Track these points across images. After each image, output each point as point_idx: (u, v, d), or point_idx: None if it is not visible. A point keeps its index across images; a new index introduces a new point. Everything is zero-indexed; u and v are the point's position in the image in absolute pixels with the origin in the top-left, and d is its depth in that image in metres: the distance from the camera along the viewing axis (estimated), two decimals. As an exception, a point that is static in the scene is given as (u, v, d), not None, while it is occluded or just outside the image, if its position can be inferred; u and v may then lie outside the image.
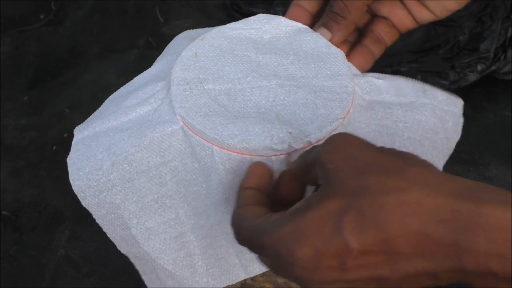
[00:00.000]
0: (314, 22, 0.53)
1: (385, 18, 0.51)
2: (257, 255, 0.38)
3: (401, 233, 0.31)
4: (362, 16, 0.49)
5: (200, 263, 0.48)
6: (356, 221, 0.31)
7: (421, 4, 0.48)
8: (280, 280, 0.56)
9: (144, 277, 0.51)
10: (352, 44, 0.53)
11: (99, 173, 0.47)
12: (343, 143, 0.35)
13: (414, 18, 0.50)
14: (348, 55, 0.50)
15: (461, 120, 0.51)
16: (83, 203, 0.48)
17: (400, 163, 0.33)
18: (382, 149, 0.35)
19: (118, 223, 0.48)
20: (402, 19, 0.50)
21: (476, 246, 0.29)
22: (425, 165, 0.34)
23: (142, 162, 0.46)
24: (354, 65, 0.50)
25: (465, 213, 0.30)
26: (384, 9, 0.50)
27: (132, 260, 0.50)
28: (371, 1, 0.48)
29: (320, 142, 0.44)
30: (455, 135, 0.50)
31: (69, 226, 0.94)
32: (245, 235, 0.38)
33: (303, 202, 0.35)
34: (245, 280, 0.51)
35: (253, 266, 0.47)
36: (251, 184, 0.41)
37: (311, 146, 0.43)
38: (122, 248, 0.49)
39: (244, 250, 0.46)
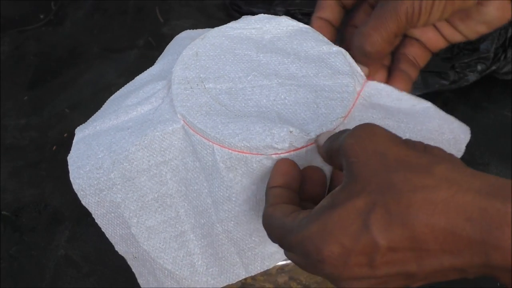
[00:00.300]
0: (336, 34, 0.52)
1: (417, 40, 0.51)
2: (287, 253, 0.38)
3: (428, 230, 0.31)
4: (386, 52, 0.48)
5: (200, 262, 0.48)
6: (383, 219, 0.32)
7: (452, 27, 0.48)
8: (280, 280, 0.56)
9: (140, 280, 0.50)
10: (388, 67, 0.52)
11: (99, 172, 0.47)
12: (369, 136, 0.35)
13: (446, 39, 0.50)
14: (388, 80, 0.50)
15: (463, 146, 0.50)
16: (83, 202, 0.48)
17: (427, 159, 0.33)
18: (408, 143, 0.35)
19: (117, 222, 0.48)
20: (434, 41, 0.50)
21: (503, 244, 0.30)
22: (452, 161, 0.34)
23: (142, 160, 0.46)
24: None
25: (492, 211, 0.30)
26: (416, 32, 0.50)
27: (130, 262, 0.50)
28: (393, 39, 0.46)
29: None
30: (464, 135, 0.49)
31: (69, 226, 0.94)
32: (275, 235, 0.38)
33: (329, 199, 0.35)
34: (245, 279, 0.51)
35: (254, 265, 0.47)
36: (278, 182, 0.41)
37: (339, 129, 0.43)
38: (121, 248, 0.49)
39: (246, 248, 0.46)
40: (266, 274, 0.54)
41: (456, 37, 0.49)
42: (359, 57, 0.47)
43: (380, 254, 0.32)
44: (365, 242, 0.32)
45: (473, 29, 0.47)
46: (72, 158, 0.48)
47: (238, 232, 0.45)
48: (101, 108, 0.53)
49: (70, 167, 0.48)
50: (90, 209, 0.48)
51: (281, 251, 0.42)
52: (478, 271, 0.32)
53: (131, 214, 0.47)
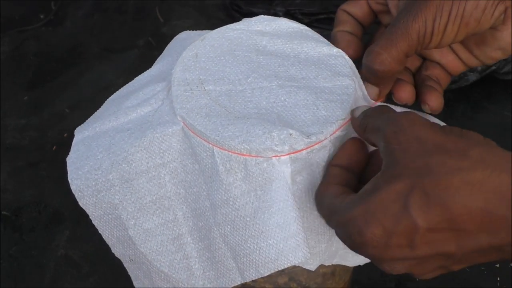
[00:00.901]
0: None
1: (437, 63, 0.51)
2: (335, 230, 0.39)
3: (466, 211, 0.32)
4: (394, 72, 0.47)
5: (196, 266, 0.48)
6: (422, 201, 0.33)
7: (468, 51, 0.49)
8: (280, 281, 0.56)
9: (136, 283, 0.50)
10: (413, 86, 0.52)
11: (97, 173, 0.46)
12: (410, 125, 0.37)
13: (464, 63, 0.50)
14: (419, 95, 0.50)
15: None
16: (81, 203, 0.47)
17: (463, 143, 0.35)
18: (446, 129, 0.36)
19: (115, 224, 0.48)
20: (454, 64, 0.50)
21: None
22: (488, 144, 0.35)
23: (141, 162, 0.46)
24: (435, 106, 0.49)
25: None
26: (436, 55, 0.50)
27: (126, 264, 0.50)
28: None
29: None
30: None
31: (69, 226, 0.94)
32: (323, 213, 0.40)
33: (371, 183, 0.36)
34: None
35: (249, 271, 0.46)
36: (340, 161, 0.43)
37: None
38: (117, 250, 0.49)
39: (242, 254, 0.46)
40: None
41: (473, 62, 0.49)
42: (368, 76, 0.47)
43: (420, 235, 0.33)
44: (405, 223, 0.33)
45: (488, 54, 0.47)
46: (71, 159, 0.48)
47: (234, 237, 0.45)
48: (100, 109, 0.53)
49: (68, 168, 0.48)
50: (87, 211, 0.48)
51: (276, 260, 0.44)
52: None
53: (128, 216, 0.47)
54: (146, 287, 0.49)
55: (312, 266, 0.48)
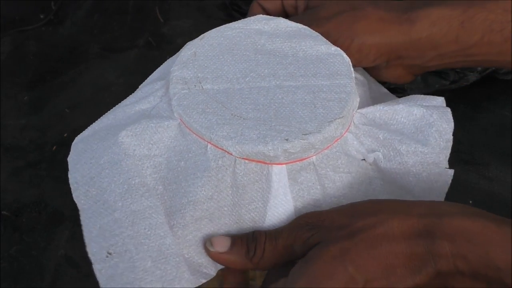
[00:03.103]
0: None
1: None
2: None
3: (392, 256, 0.37)
4: None
5: (185, 251, 0.47)
6: (356, 256, 0.38)
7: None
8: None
9: (107, 284, 0.46)
10: None
11: (92, 161, 0.47)
12: (316, 217, 0.43)
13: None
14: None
15: (448, 110, 0.51)
16: (74, 196, 0.47)
17: (372, 206, 0.41)
18: (352, 205, 0.42)
19: (101, 210, 0.46)
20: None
21: (444, 251, 0.37)
22: (392, 200, 0.42)
23: (129, 147, 0.46)
24: None
25: (432, 227, 0.37)
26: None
27: (99, 265, 0.46)
28: None
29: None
30: (447, 124, 0.50)
31: (69, 226, 0.94)
32: None
33: (303, 261, 0.40)
34: (244, 280, 0.51)
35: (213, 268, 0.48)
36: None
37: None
38: (95, 245, 0.46)
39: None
40: (265, 273, 0.54)
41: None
42: None
43: (360, 286, 0.38)
44: (346, 280, 0.37)
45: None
46: (71, 158, 0.48)
47: (208, 229, 0.46)
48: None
49: (69, 166, 0.48)
50: (78, 203, 0.47)
51: None
52: (436, 283, 0.38)
53: (116, 198, 0.46)
54: (125, 284, 0.46)
55: None
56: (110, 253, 0.46)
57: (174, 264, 0.45)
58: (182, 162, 0.46)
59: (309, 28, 0.52)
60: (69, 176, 0.48)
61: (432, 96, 0.52)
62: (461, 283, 0.37)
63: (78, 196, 0.47)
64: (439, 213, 0.38)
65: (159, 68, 0.54)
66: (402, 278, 0.38)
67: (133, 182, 0.46)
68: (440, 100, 0.52)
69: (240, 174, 0.43)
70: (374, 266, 0.38)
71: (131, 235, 0.45)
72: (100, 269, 0.46)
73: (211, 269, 0.46)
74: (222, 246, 0.44)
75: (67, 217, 0.95)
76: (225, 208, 0.45)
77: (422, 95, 0.52)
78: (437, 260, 0.37)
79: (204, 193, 0.45)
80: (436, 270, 0.37)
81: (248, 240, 0.44)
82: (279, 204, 0.45)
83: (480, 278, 0.37)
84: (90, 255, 0.47)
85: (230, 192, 0.44)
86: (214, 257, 0.45)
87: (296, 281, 0.39)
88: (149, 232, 0.45)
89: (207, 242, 0.44)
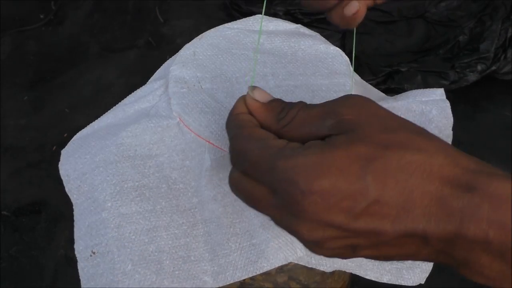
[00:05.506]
0: None
1: None
2: (244, 181, 0.36)
3: (418, 191, 0.32)
4: None
5: (168, 262, 0.46)
6: (381, 170, 0.32)
7: None
8: (280, 280, 0.56)
9: (88, 283, 0.46)
10: None
11: (87, 157, 0.46)
12: (364, 103, 0.36)
13: None
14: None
15: (446, 104, 0.51)
16: (66, 189, 0.47)
17: (424, 130, 0.35)
18: (406, 121, 0.36)
19: (91, 208, 0.46)
20: None
21: (481, 213, 0.31)
22: (445, 142, 0.35)
23: (130, 148, 0.46)
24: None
25: (476, 183, 0.32)
26: None
27: (82, 264, 0.46)
28: None
29: None
30: (446, 120, 0.49)
31: (69, 226, 0.94)
32: (252, 155, 0.35)
33: (328, 141, 0.34)
34: (244, 279, 0.51)
35: (225, 274, 0.45)
36: (244, 109, 0.39)
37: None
38: (81, 243, 0.46)
39: (221, 255, 0.45)
40: (265, 273, 0.54)
41: None
42: None
43: (366, 203, 0.32)
44: (357, 187, 0.32)
45: None
46: (65, 150, 0.48)
47: (217, 235, 0.45)
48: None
49: (61, 157, 0.48)
50: (71, 197, 0.46)
51: (255, 263, 0.43)
52: (441, 247, 0.33)
53: (106, 198, 0.45)
54: (99, 287, 0.46)
55: (326, 268, 0.48)
56: (94, 252, 0.46)
57: (154, 270, 0.45)
58: (187, 161, 0.46)
59: (307, 28, 0.52)
60: (60, 167, 0.47)
61: (431, 89, 0.52)
62: (479, 259, 0.32)
63: (71, 190, 0.47)
64: (489, 172, 0.33)
65: (159, 70, 0.54)
66: (416, 220, 0.32)
67: (126, 186, 0.46)
68: (440, 92, 0.52)
69: None
70: (393, 191, 0.32)
71: (115, 236, 0.45)
72: (83, 268, 0.45)
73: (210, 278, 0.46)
74: (261, 97, 0.39)
75: (67, 217, 0.95)
76: (235, 215, 0.45)
77: (421, 90, 0.51)
78: (467, 220, 0.32)
79: (208, 193, 0.45)
80: (459, 231, 0.32)
81: (284, 103, 0.39)
82: None
83: (507, 257, 0.32)
84: (76, 252, 0.46)
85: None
86: (249, 102, 0.40)
87: (305, 154, 0.33)
88: (133, 237, 0.45)
89: (250, 88, 0.40)
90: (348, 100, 0.36)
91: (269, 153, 0.34)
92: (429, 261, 0.35)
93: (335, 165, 0.32)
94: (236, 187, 0.37)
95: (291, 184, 0.33)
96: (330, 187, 0.32)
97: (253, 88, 0.39)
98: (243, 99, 0.39)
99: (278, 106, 0.39)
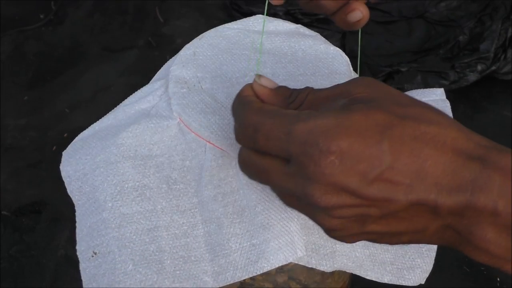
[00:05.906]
0: None
1: None
2: (249, 154, 0.37)
3: (431, 161, 0.33)
4: None
5: (168, 262, 0.46)
6: (398, 138, 0.33)
7: None
8: (280, 280, 0.56)
9: (90, 284, 0.46)
10: None
11: (87, 158, 0.47)
12: (376, 82, 0.36)
13: None
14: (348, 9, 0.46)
15: (446, 104, 0.51)
16: (68, 190, 0.47)
17: (435, 107, 0.35)
18: (422, 102, 0.36)
19: (92, 209, 0.46)
20: None
21: (492, 184, 0.32)
22: (455, 122, 0.36)
23: (130, 148, 0.46)
24: (365, 11, 0.46)
25: (489, 157, 0.33)
26: None
27: (84, 264, 0.46)
28: None
29: None
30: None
31: (69, 226, 0.94)
32: (263, 127, 0.35)
33: (345, 106, 0.34)
34: (244, 279, 0.50)
35: (225, 275, 0.45)
36: (251, 93, 0.39)
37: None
38: (83, 244, 0.46)
39: (221, 255, 0.45)
40: (265, 273, 0.54)
41: None
42: None
43: (380, 169, 0.33)
44: (374, 152, 0.33)
45: None
46: (67, 151, 0.48)
47: (218, 235, 0.45)
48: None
49: (62, 158, 0.48)
50: (73, 198, 0.47)
51: (256, 263, 0.43)
52: (449, 221, 0.33)
53: (107, 198, 0.45)
54: (101, 287, 0.46)
55: (326, 268, 0.47)
56: (95, 253, 0.46)
57: (155, 270, 0.45)
58: (187, 162, 0.46)
59: (308, 29, 0.52)
60: (61, 168, 0.47)
61: (431, 89, 0.52)
62: (486, 233, 0.33)
63: (72, 191, 0.47)
64: (501, 148, 0.33)
65: (159, 71, 0.54)
66: (428, 189, 0.33)
67: (127, 186, 0.46)
68: (440, 92, 0.52)
69: (241, 173, 0.43)
70: (408, 159, 0.33)
71: (116, 236, 0.45)
72: (85, 268, 0.46)
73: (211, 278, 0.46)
74: (269, 83, 0.40)
75: (67, 217, 0.95)
76: (235, 216, 0.45)
77: (421, 90, 0.51)
78: (477, 191, 0.32)
79: (208, 193, 0.45)
80: (469, 202, 0.32)
81: (292, 89, 0.40)
82: None
83: None
84: (78, 253, 0.46)
85: (237, 196, 0.44)
86: (256, 88, 0.40)
87: (323, 117, 0.34)
88: (134, 237, 0.45)
89: (256, 76, 0.40)
90: (359, 80, 0.37)
91: (283, 120, 0.35)
92: (435, 242, 0.36)
93: (354, 127, 0.33)
94: (245, 164, 0.38)
95: (311, 145, 0.33)
96: (348, 149, 0.33)
97: (260, 76, 0.40)
98: (250, 85, 0.39)
99: (286, 91, 0.39)
